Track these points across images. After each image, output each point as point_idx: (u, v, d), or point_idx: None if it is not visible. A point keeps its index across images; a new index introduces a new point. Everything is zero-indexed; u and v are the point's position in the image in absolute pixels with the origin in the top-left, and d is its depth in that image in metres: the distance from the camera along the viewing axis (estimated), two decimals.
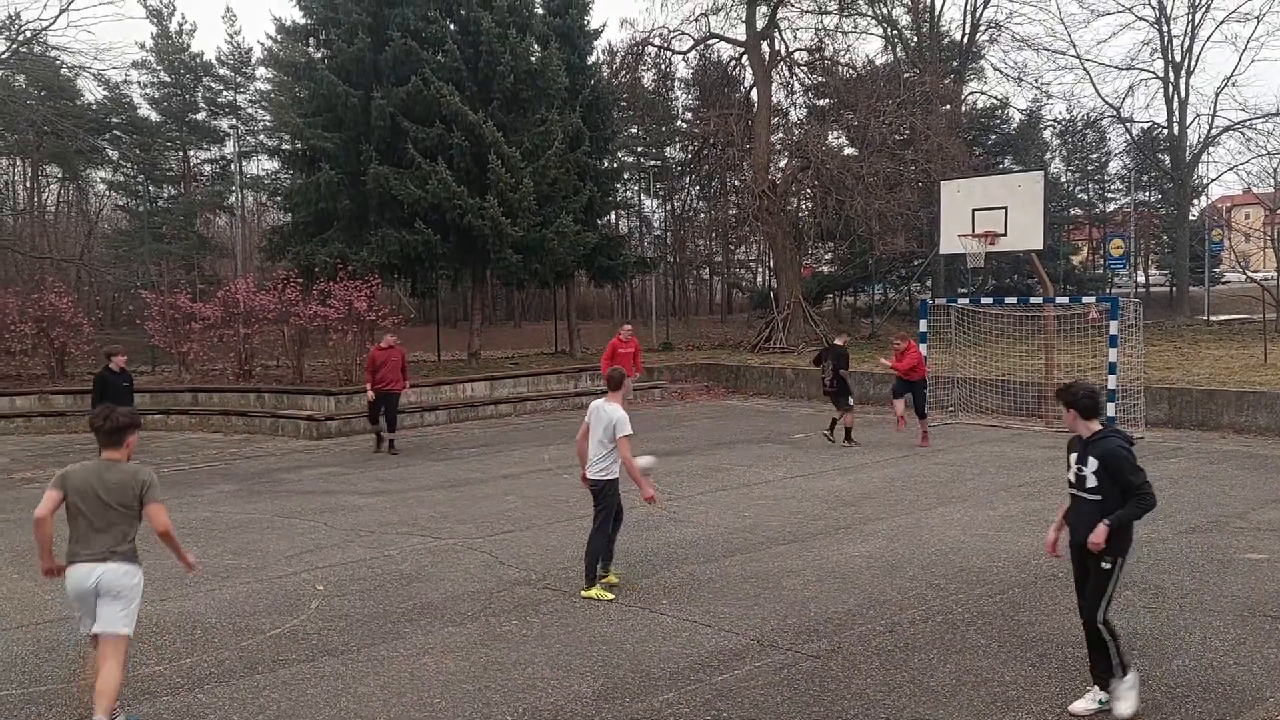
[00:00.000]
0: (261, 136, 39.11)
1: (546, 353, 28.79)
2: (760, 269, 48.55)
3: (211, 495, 12.68)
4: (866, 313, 40.56)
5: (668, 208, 44.53)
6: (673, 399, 22.75)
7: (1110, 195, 51.97)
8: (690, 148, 40.14)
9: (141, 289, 23.28)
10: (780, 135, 35.03)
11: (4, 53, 25.64)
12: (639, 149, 42.68)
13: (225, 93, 39.12)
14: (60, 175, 38.41)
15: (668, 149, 43.46)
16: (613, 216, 40.38)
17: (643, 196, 43.77)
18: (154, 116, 37.42)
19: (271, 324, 21.24)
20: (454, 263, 25.13)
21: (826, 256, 42.29)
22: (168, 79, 37.31)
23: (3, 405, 19.74)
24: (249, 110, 39.51)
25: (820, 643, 6.60)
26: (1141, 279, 49.50)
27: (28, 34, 25.18)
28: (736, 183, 33.43)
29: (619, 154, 36.52)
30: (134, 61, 36.38)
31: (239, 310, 21.01)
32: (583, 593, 7.74)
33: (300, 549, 9.59)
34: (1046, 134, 47.90)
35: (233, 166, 39.18)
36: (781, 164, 33.24)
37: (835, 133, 34.12)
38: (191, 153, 39.40)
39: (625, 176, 38.67)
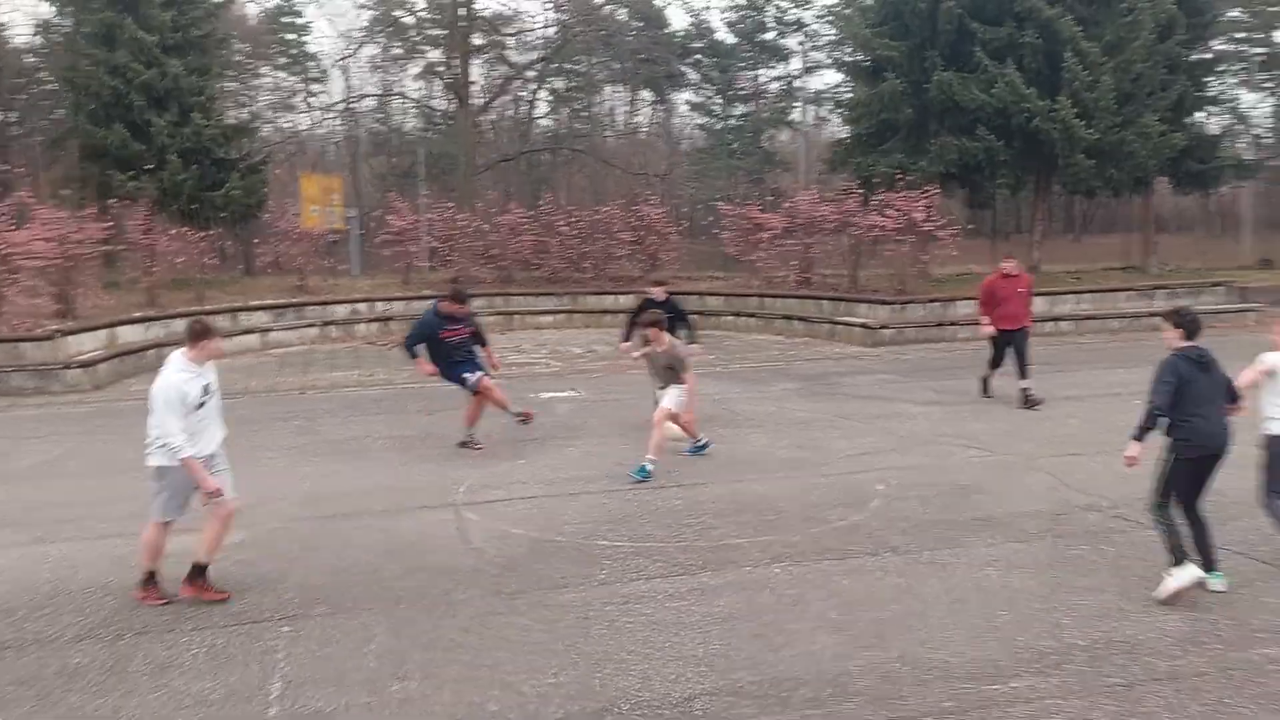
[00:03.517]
0: (824, 53, 40.08)
1: (1113, 268, 26.28)
2: None
3: (776, 392, 13.58)
4: None
5: (1273, 101, 37.64)
6: (1267, 326, 19.50)
7: None
8: None
9: (716, 201, 25.34)
10: None
11: None
12: (1239, 34, 36.42)
13: (793, 10, 40.59)
14: (651, 99, 42.94)
15: (1277, 32, 36.53)
16: (1204, 115, 35.24)
17: (1243, 90, 37.40)
18: (729, 39, 40.12)
19: (831, 234, 21.92)
20: (1015, 170, 23.82)
21: None
22: (743, 1, 39.61)
23: (606, 302, 22.91)
24: (814, 26, 40.61)
25: None
26: None
27: None
28: None
29: (1215, 42, 31.53)
30: None
31: (801, 221, 21.97)
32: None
33: (859, 449, 9.92)
34: None
35: (797, 83, 40.76)
36: None
37: None
38: (760, 72, 41.68)
39: (1221, 68, 33.34)
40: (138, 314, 17.88)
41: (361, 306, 21.76)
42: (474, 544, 7.10)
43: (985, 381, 12.68)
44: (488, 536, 7.26)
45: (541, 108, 40.88)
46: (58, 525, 7.76)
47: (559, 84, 38.90)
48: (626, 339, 11.19)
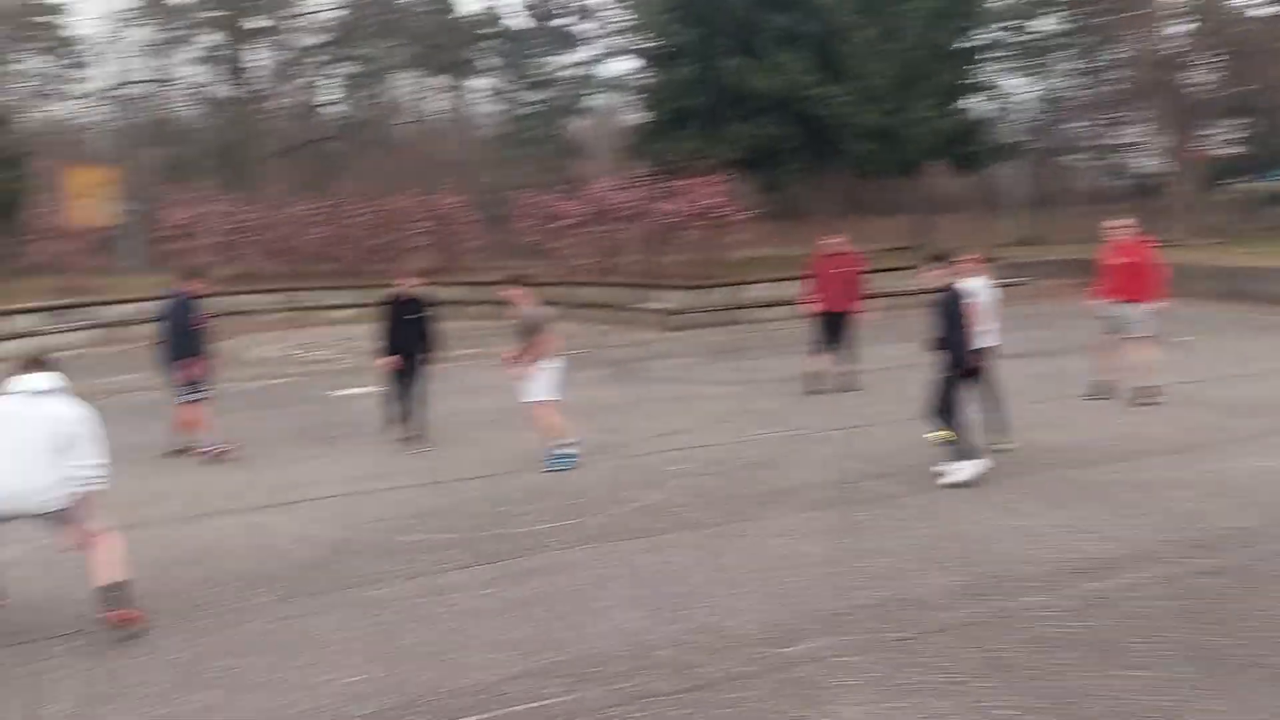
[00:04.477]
0: (621, 38, 40.35)
1: (895, 248, 27.91)
2: (1143, 153, 43.56)
3: (584, 379, 13.67)
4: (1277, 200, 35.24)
5: (1036, 88, 40.88)
6: (1038, 297, 21.27)
7: None
8: (1071, 18, 36.38)
9: (515, 190, 25.18)
10: None
11: None
12: (1003, 25, 39.33)
13: None
14: (445, 85, 42.13)
15: (1037, 21, 39.65)
16: (973, 100, 37.94)
17: (1007, 77, 40.43)
18: (523, 24, 39.87)
19: (629, 221, 22.23)
20: (803, 155, 24.90)
21: (1227, 137, 36.98)
22: None
23: None
24: (610, 11, 40.83)
25: (1215, 559, 6.04)
26: None
27: None
28: (1121, 55, 30.05)
29: (982, 32, 34.00)
30: None
31: (600, 209, 22.19)
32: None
33: (660, 431, 10.17)
34: None
35: (594, 69, 40.95)
36: (1177, 30, 29.32)
37: None
38: (555, 57, 41.64)
39: (988, 55, 35.96)
40: None
41: (141, 306, 20.37)
42: (272, 547, 6.84)
43: (813, 375, 11.78)
44: (286, 539, 7.01)
45: (331, 94, 39.44)
46: None
47: (349, 69, 37.61)
48: (389, 349, 9.90)
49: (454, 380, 12.01)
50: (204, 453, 9.60)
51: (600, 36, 40.87)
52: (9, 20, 34.97)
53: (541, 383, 8.80)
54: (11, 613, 5.73)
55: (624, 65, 40.93)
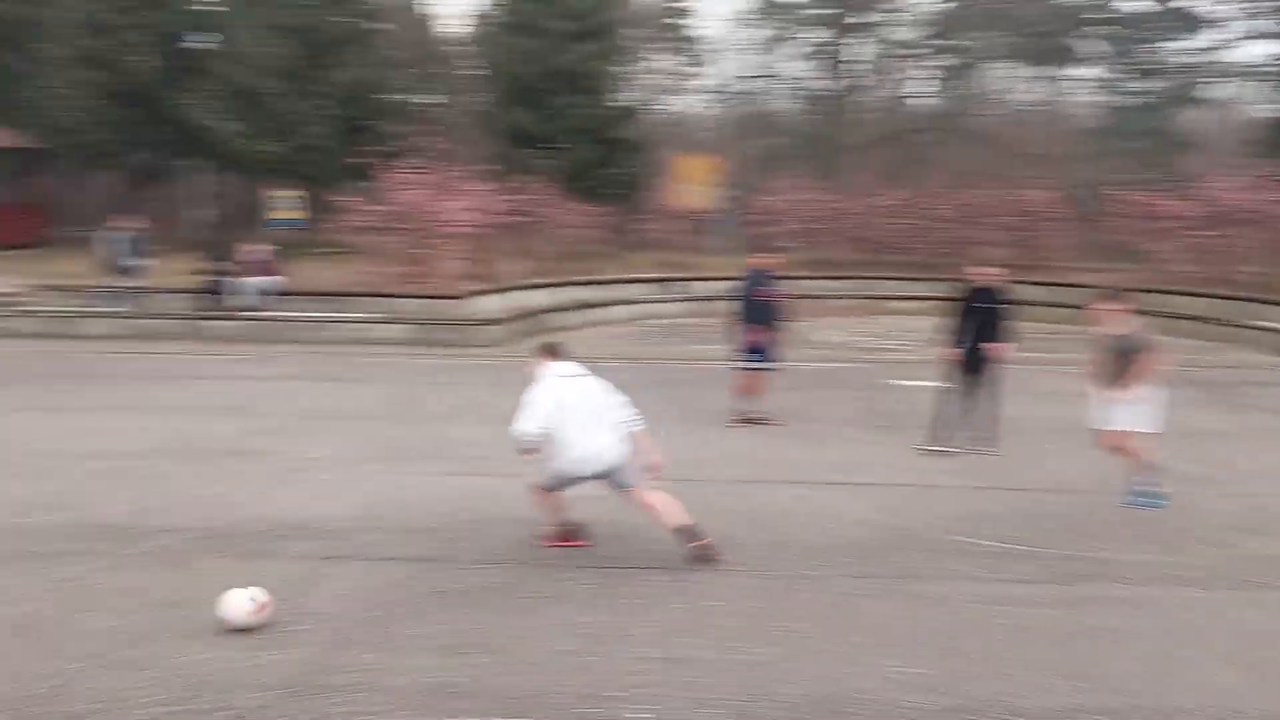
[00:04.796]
0: (1263, 20, 35.13)
1: None
2: None
3: (1177, 400, 12.23)
4: None
5: None
6: None
7: None
8: None
9: (1109, 186, 23.26)
10: None
11: None
12: None
13: None
14: (1042, 75, 40.11)
15: None
16: None
17: None
18: (1138, 7, 36.47)
19: (1251, 226, 19.42)
20: None
21: None
22: None
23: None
24: None
25: None
26: None
27: None
28: None
29: None
30: None
31: (1213, 210, 19.66)
32: None
33: (1273, 470, 8.80)
34: None
35: (1221, 53, 36.23)
36: None
37: None
38: (1174, 42, 37.49)
39: None
40: (536, 280, 19.73)
41: (727, 285, 22.34)
42: (834, 523, 7.14)
43: None
44: (847, 518, 7.27)
45: (921, 85, 39.63)
46: (465, 462, 8.79)
47: (945, 61, 37.44)
48: (955, 342, 9.53)
49: (1024, 383, 11.47)
50: (749, 419, 10.35)
51: (1236, 18, 35.98)
52: (648, 23, 40.18)
53: (1137, 411, 7.70)
54: (619, 540, 6.62)
55: (1261, 49, 35.66)
